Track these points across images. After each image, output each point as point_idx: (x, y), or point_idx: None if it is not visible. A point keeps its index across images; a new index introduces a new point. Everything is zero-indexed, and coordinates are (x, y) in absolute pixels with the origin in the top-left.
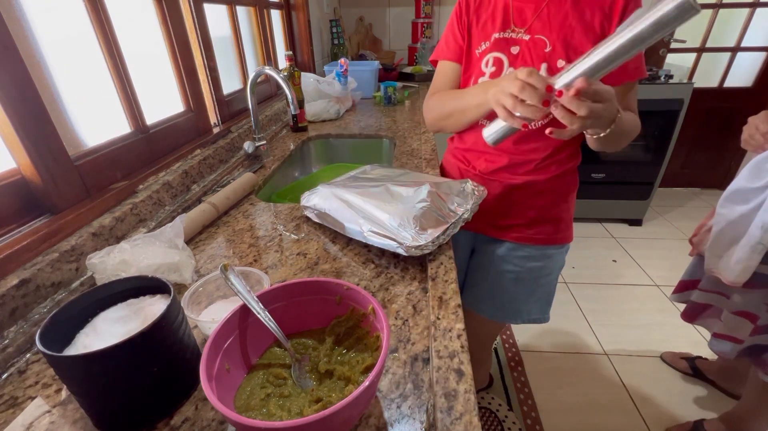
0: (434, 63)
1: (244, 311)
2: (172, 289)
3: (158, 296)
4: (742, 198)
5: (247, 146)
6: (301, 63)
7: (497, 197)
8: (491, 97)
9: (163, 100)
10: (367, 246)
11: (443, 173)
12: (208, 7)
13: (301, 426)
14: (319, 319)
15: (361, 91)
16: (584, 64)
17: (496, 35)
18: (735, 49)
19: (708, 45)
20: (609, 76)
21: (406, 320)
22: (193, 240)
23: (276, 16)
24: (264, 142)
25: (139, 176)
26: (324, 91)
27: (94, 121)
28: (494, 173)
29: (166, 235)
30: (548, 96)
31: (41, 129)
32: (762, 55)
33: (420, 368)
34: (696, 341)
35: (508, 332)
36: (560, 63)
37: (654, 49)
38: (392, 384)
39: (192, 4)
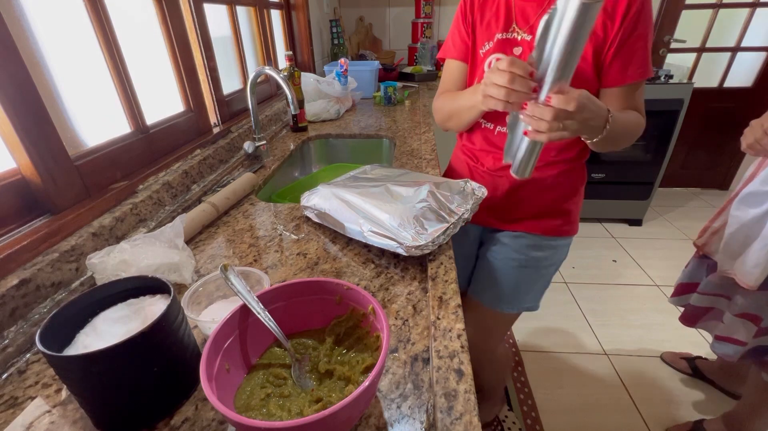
0: (441, 60)
1: (244, 311)
2: (172, 289)
3: (158, 296)
4: (756, 201)
5: (247, 146)
6: (301, 63)
7: (506, 193)
8: (480, 95)
9: (163, 100)
10: (367, 246)
11: (452, 169)
12: (208, 7)
13: (301, 426)
14: (319, 319)
15: (361, 91)
16: (550, 73)
17: (499, 35)
18: (735, 49)
19: (708, 45)
20: (614, 76)
21: (406, 320)
22: (193, 240)
23: (276, 16)
24: (264, 142)
25: (139, 176)
26: (324, 91)
27: (94, 121)
28: (502, 170)
29: (166, 235)
30: (534, 83)
31: (41, 129)
32: (762, 55)
33: (420, 368)
34: (696, 341)
35: (508, 332)
36: None
37: (654, 49)
38: (392, 384)
39: (192, 4)
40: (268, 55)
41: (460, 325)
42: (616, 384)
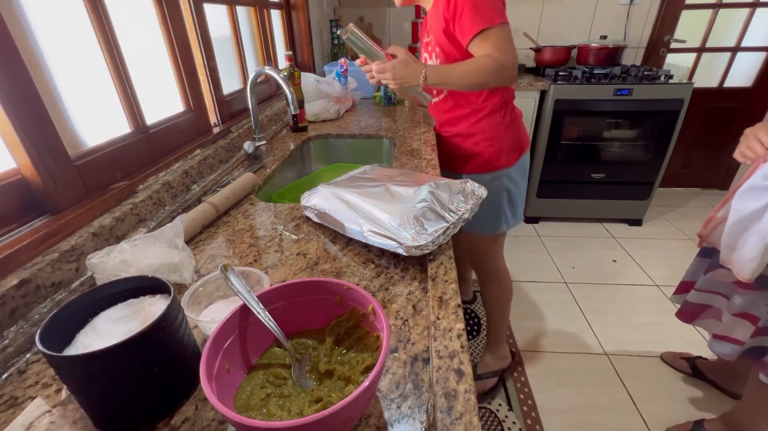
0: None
1: (244, 311)
2: (172, 289)
3: (158, 296)
4: (756, 195)
5: (247, 146)
6: (301, 63)
7: (446, 145)
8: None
9: (163, 100)
10: (367, 246)
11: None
12: (208, 7)
13: (301, 426)
14: (319, 319)
15: (361, 91)
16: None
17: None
18: (735, 49)
19: (708, 45)
20: (462, 37)
21: (406, 320)
22: (193, 240)
23: (276, 16)
24: (264, 142)
25: (139, 176)
26: (324, 91)
27: (94, 120)
28: (440, 128)
29: (166, 235)
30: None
31: (41, 129)
32: (762, 55)
33: (420, 368)
34: (696, 341)
35: (508, 332)
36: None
37: (654, 49)
38: (392, 384)
39: (192, 4)
40: (268, 55)
41: (460, 325)
42: (616, 384)
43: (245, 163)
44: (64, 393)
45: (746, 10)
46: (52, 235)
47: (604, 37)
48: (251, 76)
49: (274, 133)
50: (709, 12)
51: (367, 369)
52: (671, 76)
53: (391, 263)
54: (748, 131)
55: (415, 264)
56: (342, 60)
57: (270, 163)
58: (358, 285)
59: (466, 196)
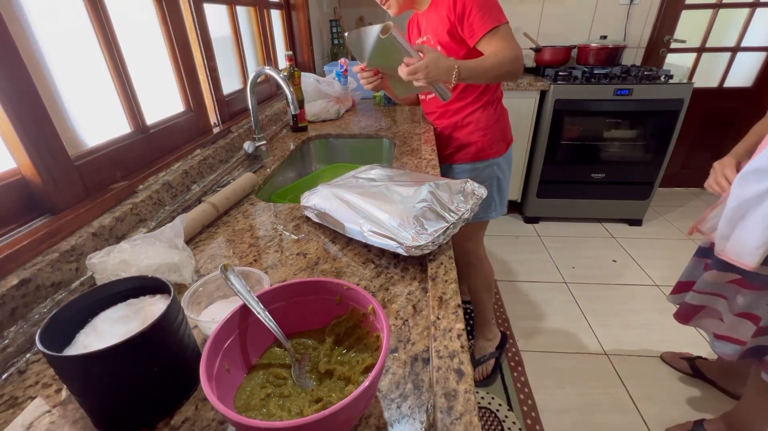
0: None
1: (244, 311)
2: (172, 289)
3: (158, 296)
4: (757, 178)
5: (247, 146)
6: (301, 63)
7: (439, 137)
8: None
9: (163, 100)
10: (367, 246)
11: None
12: (208, 7)
13: (301, 426)
14: (319, 319)
15: (361, 91)
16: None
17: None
18: (735, 49)
19: (708, 45)
20: (469, 38)
21: (406, 320)
22: (193, 240)
23: (276, 16)
24: (264, 142)
25: (139, 176)
26: (324, 91)
27: (94, 121)
28: (434, 121)
29: (166, 235)
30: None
31: (41, 129)
32: (762, 55)
33: (420, 368)
34: (696, 341)
35: (508, 332)
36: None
37: (654, 49)
38: (392, 384)
39: (192, 4)
40: (268, 55)
41: (460, 325)
42: (616, 384)
43: (245, 163)
44: (64, 393)
45: (746, 10)
46: (52, 235)
47: (604, 37)
48: (251, 76)
49: (274, 133)
50: (709, 12)
51: (367, 369)
52: (671, 76)
53: (391, 263)
54: (716, 165)
55: (415, 264)
56: (342, 60)
57: (270, 163)
58: (358, 285)
59: (466, 196)
